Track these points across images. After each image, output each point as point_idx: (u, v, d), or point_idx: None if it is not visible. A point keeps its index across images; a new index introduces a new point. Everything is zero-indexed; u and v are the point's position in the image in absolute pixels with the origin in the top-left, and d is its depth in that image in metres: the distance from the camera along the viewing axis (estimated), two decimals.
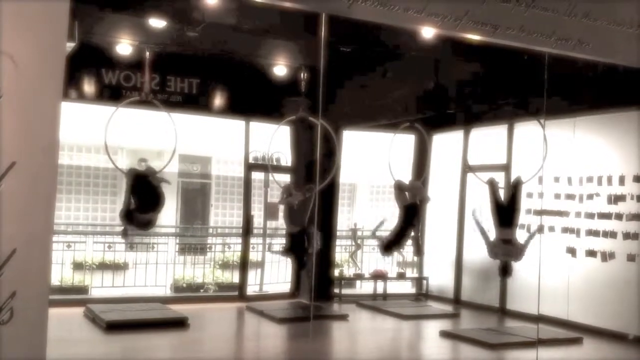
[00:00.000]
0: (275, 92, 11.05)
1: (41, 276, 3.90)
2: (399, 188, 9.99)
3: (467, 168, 11.39)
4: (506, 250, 8.74)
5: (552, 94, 7.42)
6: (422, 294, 12.57)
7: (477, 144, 11.56)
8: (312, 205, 9.42)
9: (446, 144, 12.43)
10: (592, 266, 9.67)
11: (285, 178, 11.65)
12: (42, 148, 3.82)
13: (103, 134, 8.42)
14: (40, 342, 3.89)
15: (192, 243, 13.88)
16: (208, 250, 13.33)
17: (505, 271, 8.84)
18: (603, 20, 5.99)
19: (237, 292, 11.51)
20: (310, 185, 9.72)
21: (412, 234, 10.05)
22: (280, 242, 12.26)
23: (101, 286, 11.26)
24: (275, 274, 12.35)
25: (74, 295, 10.67)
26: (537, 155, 9.08)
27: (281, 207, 10.79)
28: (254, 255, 12.16)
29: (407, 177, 11.00)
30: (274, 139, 10.22)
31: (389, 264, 12.99)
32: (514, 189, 9.03)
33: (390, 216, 11.04)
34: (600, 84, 8.84)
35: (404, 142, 11.84)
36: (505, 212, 8.88)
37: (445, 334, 9.22)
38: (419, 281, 12.78)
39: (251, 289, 11.79)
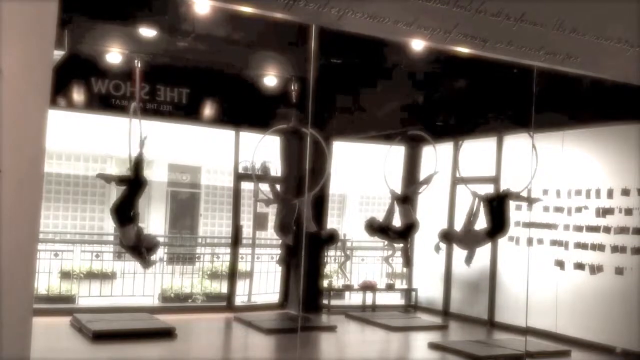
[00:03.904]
0: (266, 103, 11.03)
1: (25, 285, 3.87)
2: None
3: (456, 181, 11.42)
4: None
5: (541, 107, 7.46)
6: (411, 306, 12.56)
7: (466, 156, 11.58)
8: (297, 213, 9.35)
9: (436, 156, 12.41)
10: (580, 279, 9.69)
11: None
12: (28, 156, 3.80)
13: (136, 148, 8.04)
14: (24, 352, 3.86)
15: (181, 253, 13.82)
16: (196, 260, 13.28)
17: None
18: (591, 35, 6.04)
19: (225, 303, 11.46)
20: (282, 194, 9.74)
21: (402, 245, 10.04)
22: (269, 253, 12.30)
23: (88, 295, 11.20)
24: (264, 284, 12.32)
25: (60, 304, 10.59)
26: (526, 168, 9.10)
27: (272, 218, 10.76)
28: (242, 266, 12.13)
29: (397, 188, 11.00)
30: (264, 149, 10.19)
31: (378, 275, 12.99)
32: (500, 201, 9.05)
33: None
34: (589, 98, 8.88)
35: (394, 154, 11.85)
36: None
37: (433, 346, 9.20)
38: (408, 293, 12.77)
39: (239, 300, 11.75)
